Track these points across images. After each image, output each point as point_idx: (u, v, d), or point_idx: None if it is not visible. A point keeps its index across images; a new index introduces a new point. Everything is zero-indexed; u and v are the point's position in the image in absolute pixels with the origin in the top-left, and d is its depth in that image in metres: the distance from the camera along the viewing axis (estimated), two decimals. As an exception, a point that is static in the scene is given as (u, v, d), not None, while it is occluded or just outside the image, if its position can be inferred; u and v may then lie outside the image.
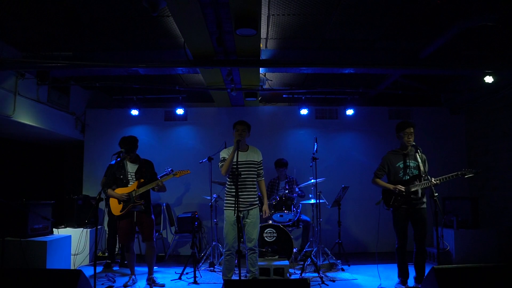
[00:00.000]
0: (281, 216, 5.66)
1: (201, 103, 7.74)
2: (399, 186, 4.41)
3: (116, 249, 6.14)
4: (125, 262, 5.89)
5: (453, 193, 6.68)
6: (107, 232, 6.17)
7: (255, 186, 4.46)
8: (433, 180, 4.15)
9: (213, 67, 5.14)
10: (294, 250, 5.53)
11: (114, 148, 4.94)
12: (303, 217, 6.19)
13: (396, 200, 4.44)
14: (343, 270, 5.55)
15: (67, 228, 6.05)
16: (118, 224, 4.74)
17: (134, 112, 7.01)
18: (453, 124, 7.42)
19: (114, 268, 5.82)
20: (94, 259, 3.99)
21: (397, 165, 4.55)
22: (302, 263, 5.53)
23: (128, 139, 4.68)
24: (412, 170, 4.47)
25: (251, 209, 4.36)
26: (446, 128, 7.40)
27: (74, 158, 7.36)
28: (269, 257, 5.29)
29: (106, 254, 6.06)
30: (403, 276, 4.51)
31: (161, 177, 4.91)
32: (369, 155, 7.05)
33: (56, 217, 5.62)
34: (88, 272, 5.23)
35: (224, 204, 4.38)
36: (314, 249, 5.58)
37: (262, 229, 5.41)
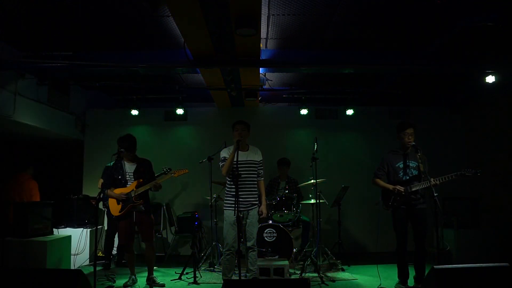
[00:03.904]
0: (281, 216, 5.66)
1: (201, 103, 7.74)
2: (398, 186, 4.41)
3: (114, 250, 6.13)
4: (123, 261, 5.89)
5: (453, 193, 6.67)
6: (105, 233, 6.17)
7: (255, 186, 4.46)
8: (432, 181, 4.15)
9: (213, 67, 5.14)
10: (294, 250, 5.53)
11: (114, 148, 4.93)
12: (303, 217, 6.19)
13: (395, 200, 4.44)
14: (343, 270, 5.55)
15: (67, 228, 6.05)
16: (117, 224, 4.74)
17: (134, 112, 7.01)
18: (453, 124, 7.42)
19: (111, 267, 5.83)
20: (94, 259, 3.99)
21: (396, 165, 4.55)
22: (302, 263, 5.53)
23: (127, 138, 4.67)
24: (412, 170, 4.47)
25: (251, 209, 4.36)
26: (446, 128, 7.40)
27: (74, 158, 7.36)
28: (269, 257, 5.29)
29: (103, 255, 6.07)
30: (403, 276, 4.51)
31: (157, 176, 4.90)
32: (369, 155, 7.05)
33: (56, 217, 5.61)
34: (88, 272, 5.24)
35: (224, 204, 4.38)
36: (314, 249, 5.57)
37: (262, 229, 5.41)
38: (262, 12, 3.98)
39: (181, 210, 7.09)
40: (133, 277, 4.84)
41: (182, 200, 7.22)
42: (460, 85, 6.72)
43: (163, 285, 4.82)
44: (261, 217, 4.57)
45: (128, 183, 4.67)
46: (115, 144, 4.89)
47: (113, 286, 4.86)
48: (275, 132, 7.38)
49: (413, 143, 4.41)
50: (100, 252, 6.31)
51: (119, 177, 4.67)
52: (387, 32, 4.90)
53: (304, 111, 7.00)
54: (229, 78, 5.53)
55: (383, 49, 5.39)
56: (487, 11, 4.14)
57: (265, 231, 5.44)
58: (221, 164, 4.36)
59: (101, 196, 4.36)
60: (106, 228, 6.25)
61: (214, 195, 6.02)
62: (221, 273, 4.78)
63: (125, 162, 4.73)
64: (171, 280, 5.12)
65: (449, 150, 7.29)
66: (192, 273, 5.07)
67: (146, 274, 4.84)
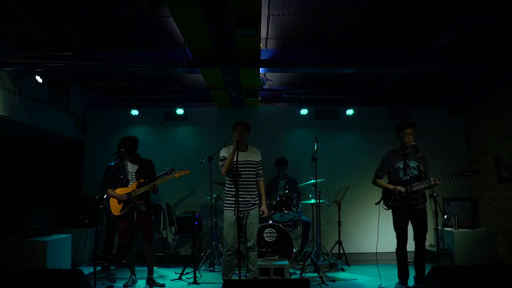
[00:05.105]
0: (281, 216, 5.66)
1: (201, 103, 7.73)
2: (399, 186, 4.41)
3: (114, 250, 6.13)
4: (123, 261, 5.89)
5: (453, 193, 6.68)
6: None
7: (255, 186, 4.47)
8: (432, 180, 4.16)
9: (213, 67, 5.14)
10: (294, 250, 5.53)
11: (114, 148, 4.94)
12: (303, 217, 6.19)
13: (396, 200, 4.44)
14: (343, 270, 5.55)
15: (67, 228, 6.05)
16: (118, 224, 4.74)
17: (134, 112, 7.01)
18: (453, 124, 7.41)
19: (111, 268, 5.83)
20: (94, 259, 3.99)
21: (397, 165, 4.55)
22: (302, 263, 5.53)
23: (128, 140, 4.69)
24: (412, 170, 4.48)
25: (251, 209, 4.36)
26: (446, 128, 7.39)
27: (74, 158, 7.36)
28: (269, 257, 5.29)
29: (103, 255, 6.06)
30: (403, 276, 4.51)
31: (159, 176, 4.90)
32: (369, 155, 7.04)
33: (56, 217, 5.61)
34: (88, 272, 5.24)
35: (224, 204, 4.39)
36: (314, 249, 5.58)
37: (262, 229, 5.41)
38: (262, 12, 3.98)
39: (181, 210, 7.09)
40: (133, 277, 4.85)
41: (182, 200, 7.22)
42: (460, 85, 6.72)
43: (163, 285, 4.82)
44: (262, 216, 4.58)
45: (130, 183, 4.68)
46: (115, 144, 4.90)
47: (113, 286, 4.86)
48: (275, 132, 7.38)
49: (413, 143, 4.41)
50: (100, 253, 6.31)
51: (121, 176, 4.68)
52: (387, 32, 4.90)
53: (304, 111, 7.00)
54: (229, 78, 5.53)
55: (383, 49, 5.39)
56: (487, 11, 4.13)
57: (265, 231, 5.44)
58: (220, 163, 4.36)
59: (103, 196, 4.36)
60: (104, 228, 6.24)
61: (214, 195, 6.02)
62: (221, 273, 4.78)
63: (127, 162, 4.74)
64: (171, 280, 5.13)
65: (449, 150, 7.29)
66: (192, 273, 5.07)
67: (146, 274, 4.85)
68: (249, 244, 4.36)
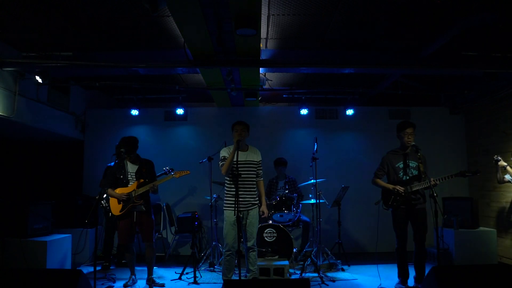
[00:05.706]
0: (281, 216, 5.66)
1: (201, 103, 7.73)
2: (398, 186, 4.41)
3: (113, 250, 6.13)
4: (123, 261, 5.89)
5: (453, 193, 6.68)
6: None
7: (255, 186, 4.47)
8: (432, 180, 4.16)
9: (213, 67, 5.14)
10: (294, 250, 5.53)
11: (114, 148, 4.95)
12: (303, 217, 6.19)
13: (395, 200, 4.44)
14: (343, 270, 5.55)
15: (67, 228, 6.05)
16: (118, 224, 4.74)
17: (134, 112, 7.01)
18: (453, 124, 7.42)
19: (111, 268, 5.83)
20: (94, 259, 3.99)
21: (397, 165, 4.55)
22: (302, 263, 5.53)
23: (128, 140, 4.68)
24: (412, 170, 4.48)
25: (251, 209, 4.36)
26: (446, 128, 7.39)
27: (74, 158, 7.36)
28: (269, 257, 5.29)
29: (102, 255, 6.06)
30: (403, 276, 4.51)
31: (158, 176, 4.90)
32: (369, 155, 7.04)
33: (56, 217, 5.61)
34: (88, 272, 5.24)
35: (224, 204, 4.38)
36: (314, 249, 5.58)
37: (262, 229, 5.41)
38: (262, 12, 3.98)
39: (181, 210, 7.09)
40: (133, 277, 4.85)
41: (182, 200, 7.22)
42: (460, 85, 6.72)
43: (163, 285, 4.82)
44: (262, 216, 4.58)
45: (130, 183, 4.68)
46: (115, 144, 4.90)
47: (113, 286, 4.86)
48: (275, 132, 7.38)
49: (413, 143, 4.41)
50: (100, 253, 6.30)
51: (121, 176, 4.68)
52: (387, 32, 4.90)
53: (304, 111, 7.01)
54: (229, 78, 5.53)
55: (383, 49, 5.40)
56: (487, 11, 4.14)
57: (265, 231, 5.44)
58: (220, 163, 4.36)
59: (103, 195, 4.36)
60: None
61: (214, 195, 6.02)
62: (221, 273, 4.78)
63: (127, 162, 4.74)
64: (171, 280, 5.13)
65: (449, 150, 7.29)
66: (192, 273, 5.07)
67: (146, 274, 4.84)
68: (249, 244, 4.36)
